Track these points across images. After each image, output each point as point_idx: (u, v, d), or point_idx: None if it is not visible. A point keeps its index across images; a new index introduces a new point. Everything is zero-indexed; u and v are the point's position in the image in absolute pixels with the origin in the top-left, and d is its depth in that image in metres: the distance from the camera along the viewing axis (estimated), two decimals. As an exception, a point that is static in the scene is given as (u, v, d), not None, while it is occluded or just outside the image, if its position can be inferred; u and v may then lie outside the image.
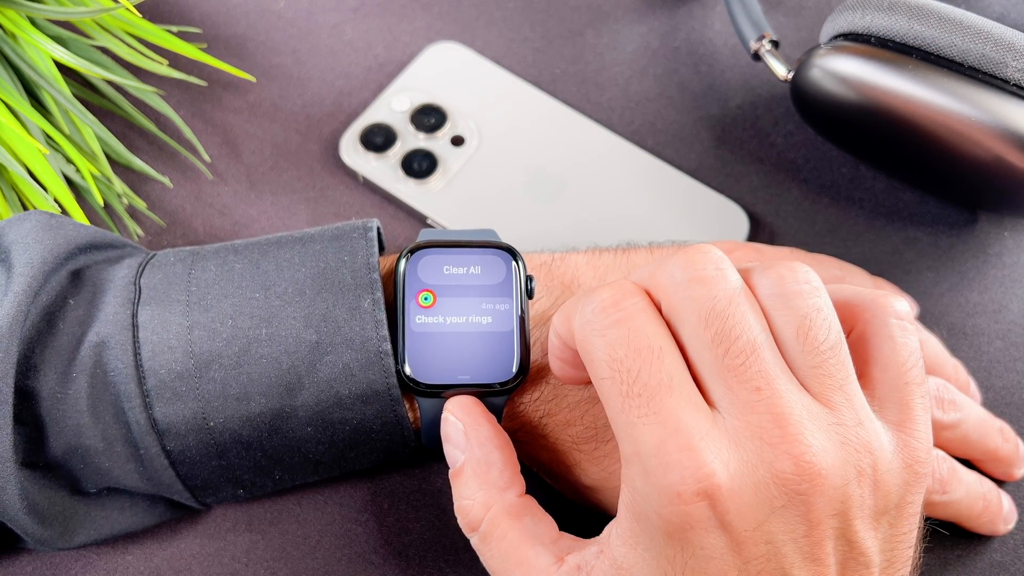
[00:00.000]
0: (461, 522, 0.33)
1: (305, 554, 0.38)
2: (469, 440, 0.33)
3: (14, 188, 0.43)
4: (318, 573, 0.38)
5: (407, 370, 0.34)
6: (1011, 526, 0.39)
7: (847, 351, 0.29)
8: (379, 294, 0.34)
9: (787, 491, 0.27)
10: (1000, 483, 0.40)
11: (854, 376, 0.29)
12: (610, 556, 0.29)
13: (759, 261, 0.37)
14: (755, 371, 0.28)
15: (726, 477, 0.27)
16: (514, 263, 0.35)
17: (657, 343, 0.28)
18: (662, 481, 0.27)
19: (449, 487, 0.39)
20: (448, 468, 0.40)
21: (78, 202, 0.43)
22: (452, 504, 0.39)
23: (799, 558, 0.28)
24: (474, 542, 0.33)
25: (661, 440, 0.27)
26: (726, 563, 0.27)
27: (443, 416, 0.34)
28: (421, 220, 0.46)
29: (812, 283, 0.29)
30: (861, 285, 0.41)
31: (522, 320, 0.35)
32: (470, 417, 0.33)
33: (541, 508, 0.33)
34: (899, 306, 0.31)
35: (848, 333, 0.31)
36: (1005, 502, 0.39)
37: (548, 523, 0.32)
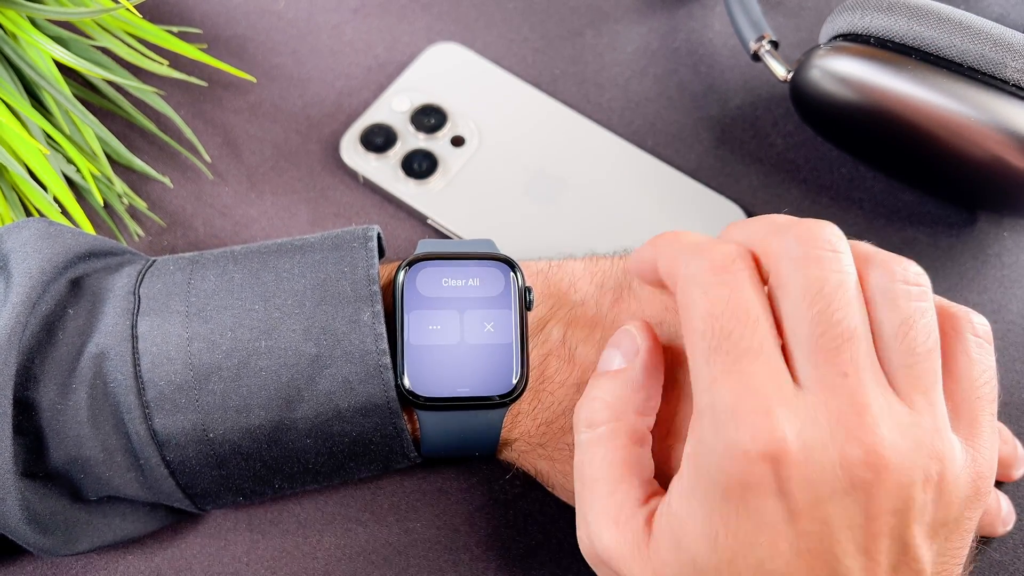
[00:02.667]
0: (580, 414, 0.33)
1: (305, 554, 0.38)
2: (643, 360, 0.33)
3: (14, 188, 0.43)
4: (318, 573, 0.38)
5: (406, 383, 0.34)
6: (1010, 527, 0.39)
7: (939, 360, 0.30)
8: (379, 307, 0.34)
9: (851, 476, 0.27)
10: (998, 484, 0.40)
11: (940, 385, 0.30)
12: (667, 507, 0.30)
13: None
14: (846, 357, 0.28)
15: (796, 446, 0.27)
16: (512, 275, 0.35)
17: (755, 312, 0.29)
18: (732, 436, 0.27)
19: (450, 487, 0.40)
20: (449, 468, 0.40)
21: (78, 202, 0.43)
22: (453, 504, 0.39)
23: (852, 547, 0.28)
24: (582, 439, 0.32)
25: (739, 397, 0.28)
26: (777, 532, 0.27)
27: (625, 328, 0.33)
28: (421, 220, 0.46)
29: (923, 286, 0.30)
30: None
31: (521, 332, 0.35)
32: (650, 343, 0.33)
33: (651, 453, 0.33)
34: (979, 324, 0.32)
35: None
36: (1004, 503, 0.39)
37: (651, 466, 0.32)
